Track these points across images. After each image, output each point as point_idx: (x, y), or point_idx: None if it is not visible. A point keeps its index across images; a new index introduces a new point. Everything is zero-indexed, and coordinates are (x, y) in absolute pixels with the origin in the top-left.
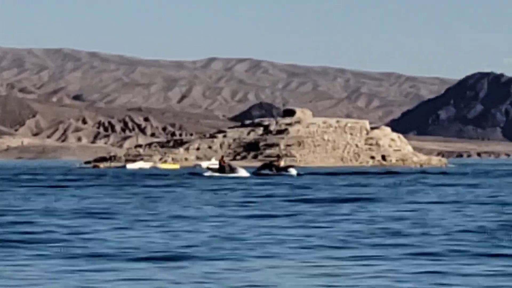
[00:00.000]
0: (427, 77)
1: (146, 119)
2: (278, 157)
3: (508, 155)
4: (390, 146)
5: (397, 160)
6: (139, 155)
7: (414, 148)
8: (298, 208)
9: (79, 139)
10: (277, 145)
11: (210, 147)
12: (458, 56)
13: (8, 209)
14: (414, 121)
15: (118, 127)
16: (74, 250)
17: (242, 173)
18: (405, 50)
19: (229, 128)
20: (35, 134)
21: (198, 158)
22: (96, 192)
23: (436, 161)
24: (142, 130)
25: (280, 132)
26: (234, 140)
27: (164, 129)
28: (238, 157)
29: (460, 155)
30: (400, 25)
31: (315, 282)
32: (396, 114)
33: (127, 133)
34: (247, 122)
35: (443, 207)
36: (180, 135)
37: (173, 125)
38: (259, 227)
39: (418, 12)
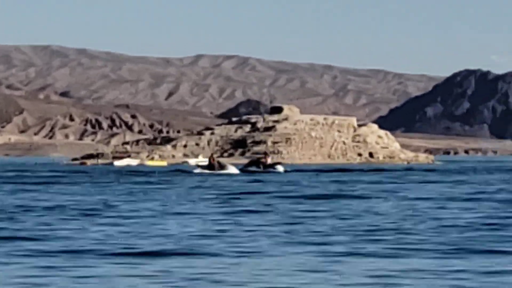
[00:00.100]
0: (415, 74)
1: (133, 116)
2: (265, 154)
3: (495, 152)
4: (377, 143)
5: (384, 157)
6: (126, 152)
7: (402, 145)
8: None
9: (66, 136)
10: (265, 142)
11: (197, 144)
12: (446, 53)
13: None
14: (402, 118)
15: (105, 124)
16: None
17: (232, 170)
18: (392, 47)
19: (217, 125)
20: (22, 131)
21: (185, 155)
22: (75, 189)
23: (423, 158)
24: (129, 127)
25: (267, 129)
26: (221, 137)
27: (151, 126)
28: (225, 154)
29: (447, 152)
30: (387, 23)
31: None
32: (384, 111)
33: (114, 130)
34: (235, 119)
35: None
36: (168, 132)
37: (160, 122)
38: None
39: (406, 10)
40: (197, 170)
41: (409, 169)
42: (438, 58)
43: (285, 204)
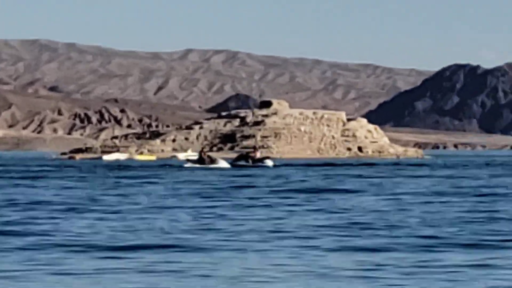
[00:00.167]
0: (404, 68)
1: (122, 111)
2: (255, 148)
3: (483, 146)
4: (366, 137)
5: (373, 152)
6: (115, 146)
7: (391, 140)
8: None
9: (55, 130)
10: (254, 136)
11: (186, 139)
12: (435, 48)
13: None
14: (391, 113)
15: (94, 119)
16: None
17: (222, 164)
18: (382, 42)
19: (206, 119)
20: (11, 126)
21: (174, 149)
22: (60, 183)
23: (412, 152)
24: (118, 122)
25: (256, 123)
26: (210, 131)
27: (140, 120)
28: (214, 148)
29: (436, 147)
30: (377, 17)
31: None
32: (373, 105)
33: (103, 124)
34: (224, 113)
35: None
36: (157, 126)
37: (149, 117)
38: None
39: (396, 5)
40: (188, 165)
41: (398, 163)
42: (427, 53)
43: (274, 198)
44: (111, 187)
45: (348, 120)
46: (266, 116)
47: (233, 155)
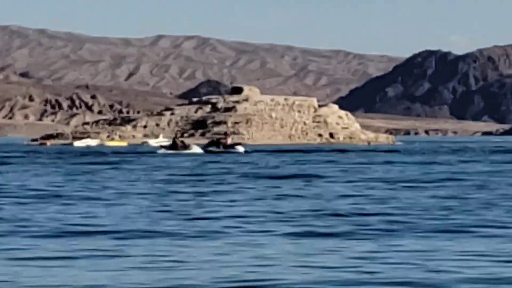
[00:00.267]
0: (375, 54)
1: (93, 97)
2: (226, 134)
3: (455, 132)
4: (337, 123)
5: (344, 138)
6: (86, 132)
7: (362, 126)
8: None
9: (26, 116)
10: (225, 122)
11: (157, 125)
12: (406, 34)
13: None
14: (362, 99)
15: (65, 105)
16: None
17: (196, 150)
18: (353, 28)
19: (177, 105)
20: None
21: (145, 135)
22: (27, 169)
23: (383, 138)
24: (90, 108)
25: (227, 109)
26: (181, 117)
27: (111, 106)
28: (185, 134)
29: (407, 133)
30: (348, 3)
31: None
32: (344, 91)
33: (74, 110)
34: (195, 99)
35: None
36: (128, 112)
37: (120, 103)
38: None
39: None
40: (161, 151)
41: (369, 149)
42: (398, 39)
43: (246, 184)
44: (79, 174)
45: (320, 106)
46: (237, 102)
47: (205, 141)
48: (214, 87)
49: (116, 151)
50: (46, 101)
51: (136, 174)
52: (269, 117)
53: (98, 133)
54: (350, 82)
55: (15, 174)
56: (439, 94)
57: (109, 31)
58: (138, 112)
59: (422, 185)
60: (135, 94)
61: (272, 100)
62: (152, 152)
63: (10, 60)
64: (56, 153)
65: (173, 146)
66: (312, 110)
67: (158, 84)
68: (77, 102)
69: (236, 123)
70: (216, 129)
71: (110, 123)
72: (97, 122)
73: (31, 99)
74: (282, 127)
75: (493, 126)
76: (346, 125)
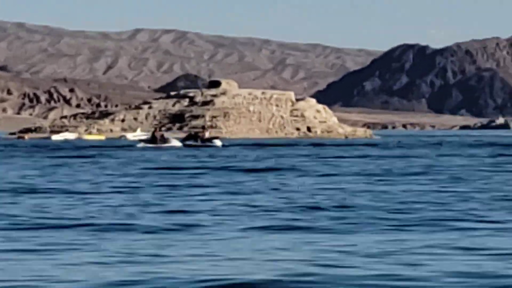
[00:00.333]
0: (353, 48)
1: (71, 90)
2: (204, 128)
3: (433, 126)
4: (315, 117)
5: (322, 132)
6: (64, 126)
7: (340, 120)
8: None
9: (4, 110)
10: (203, 116)
11: (135, 119)
12: (384, 28)
13: None
14: (340, 93)
15: (43, 98)
16: None
17: (175, 143)
18: (331, 22)
19: (155, 99)
20: None
21: (123, 129)
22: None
23: (361, 132)
24: (68, 101)
25: (205, 103)
26: (159, 111)
27: (89, 100)
28: (163, 128)
29: (385, 127)
30: None
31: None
32: (322, 85)
33: (53, 104)
34: (173, 93)
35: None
36: (106, 106)
37: (98, 96)
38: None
39: None
40: (140, 145)
41: (347, 143)
42: (376, 33)
43: (224, 177)
44: (56, 167)
45: (297, 100)
46: (215, 96)
47: (182, 135)
48: (192, 80)
49: (94, 145)
50: (24, 95)
51: (114, 168)
52: (247, 111)
53: (76, 127)
54: (328, 76)
55: None
56: (417, 88)
57: (87, 25)
58: (116, 105)
59: (398, 179)
60: (113, 88)
61: (249, 93)
62: (131, 145)
63: None
64: (34, 147)
65: (153, 140)
66: (289, 104)
67: (136, 77)
68: (55, 96)
69: (214, 117)
70: (194, 122)
71: (88, 116)
72: (75, 115)
73: (9, 92)
74: (259, 121)
75: (471, 120)
76: (323, 119)
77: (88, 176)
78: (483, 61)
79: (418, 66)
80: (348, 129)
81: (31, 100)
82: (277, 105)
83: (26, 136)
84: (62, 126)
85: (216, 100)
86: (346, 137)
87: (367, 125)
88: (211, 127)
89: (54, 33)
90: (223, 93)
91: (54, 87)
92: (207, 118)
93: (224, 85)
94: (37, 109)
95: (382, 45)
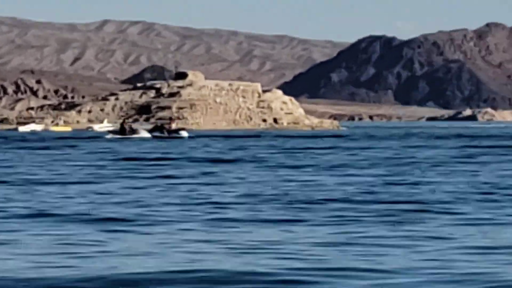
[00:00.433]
0: (319, 40)
1: (38, 82)
2: (171, 119)
3: (399, 118)
4: (281, 109)
5: (289, 123)
6: (31, 117)
7: (306, 111)
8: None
9: None
10: (169, 108)
11: (102, 110)
12: (350, 19)
13: None
14: (306, 84)
15: (10, 90)
16: None
17: (143, 134)
18: (297, 13)
19: (121, 90)
20: None
21: (90, 120)
22: None
23: (328, 124)
24: (34, 93)
25: (172, 95)
26: (126, 103)
27: (56, 91)
28: (130, 119)
29: (352, 118)
30: None
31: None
32: (288, 77)
33: (19, 95)
34: (139, 84)
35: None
36: (73, 97)
37: (65, 88)
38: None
39: None
40: (109, 136)
41: (313, 135)
42: (343, 24)
43: (190, 169)
44: (23, 158)
45: (264, 91)
46: (181, 87)
47: (149, 126)
48: (158, 72)
49: (61, 136)
50: None
51: (83, 158)
52: (214, 102)
53: (42, 118)
54: (294, 67)
55: None
56: (383, 80)
57: (54, 16)
58: (83, 97)
59: (365, 171)
60: (80, 79)
61: (216, 85)
62: (98, 137)
63: None
64: (0, 138)
65: (121, 131)
66: (256, 95)
67: (103, 69)
68: (22, 87)
69: (180, 108)
70: (160, 114)
71: (55, 108)
72: (42, 107)
73: None
74: (226, 112)
75: (438, 112)
76: (290, 111)
77: (55, 166)
78: (450, 53)
79: (385, 57)
80: (315, 120)
81: None
82: (243, 97)
83: None
84: (28, 118)
85: (183, 92)
86: (313, 129)
87: (334, 117)
88: (178, 118)
89: (21, 24)
90: (190, 85)
91: (21, 79)
92: (174, 110)
93: (190, 76)
94: (4, 101)
95: (349, 37)
